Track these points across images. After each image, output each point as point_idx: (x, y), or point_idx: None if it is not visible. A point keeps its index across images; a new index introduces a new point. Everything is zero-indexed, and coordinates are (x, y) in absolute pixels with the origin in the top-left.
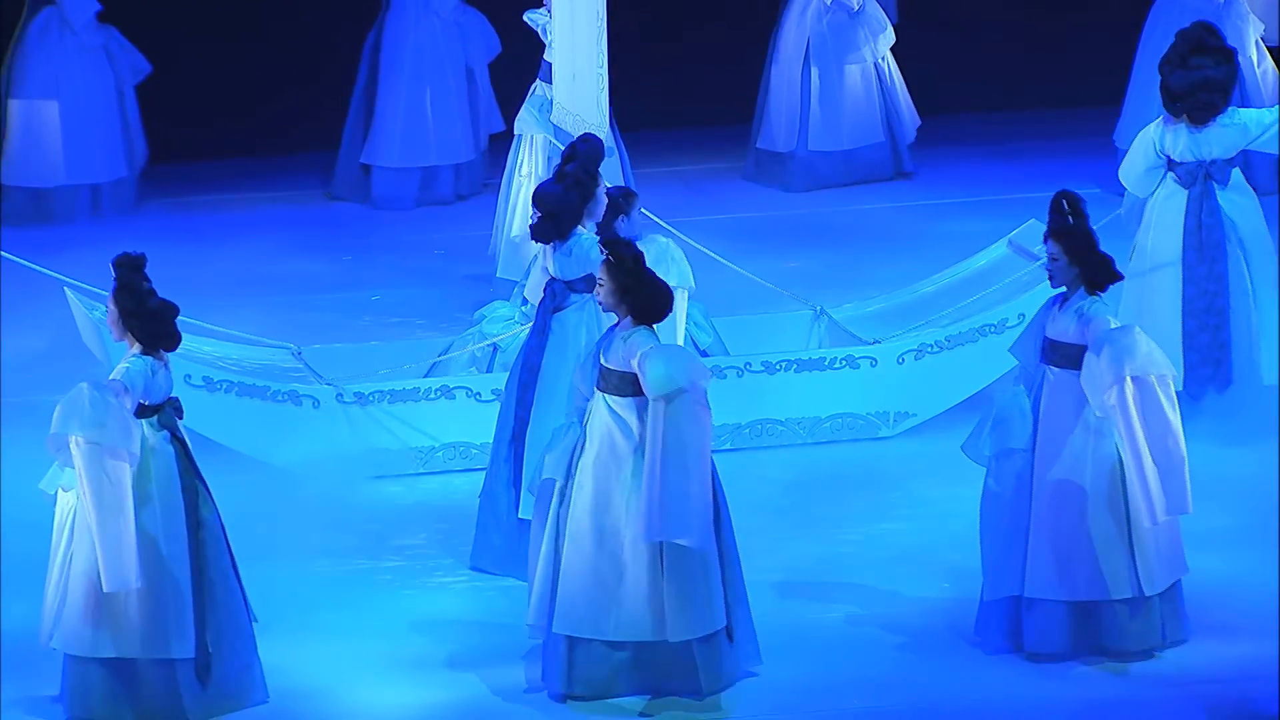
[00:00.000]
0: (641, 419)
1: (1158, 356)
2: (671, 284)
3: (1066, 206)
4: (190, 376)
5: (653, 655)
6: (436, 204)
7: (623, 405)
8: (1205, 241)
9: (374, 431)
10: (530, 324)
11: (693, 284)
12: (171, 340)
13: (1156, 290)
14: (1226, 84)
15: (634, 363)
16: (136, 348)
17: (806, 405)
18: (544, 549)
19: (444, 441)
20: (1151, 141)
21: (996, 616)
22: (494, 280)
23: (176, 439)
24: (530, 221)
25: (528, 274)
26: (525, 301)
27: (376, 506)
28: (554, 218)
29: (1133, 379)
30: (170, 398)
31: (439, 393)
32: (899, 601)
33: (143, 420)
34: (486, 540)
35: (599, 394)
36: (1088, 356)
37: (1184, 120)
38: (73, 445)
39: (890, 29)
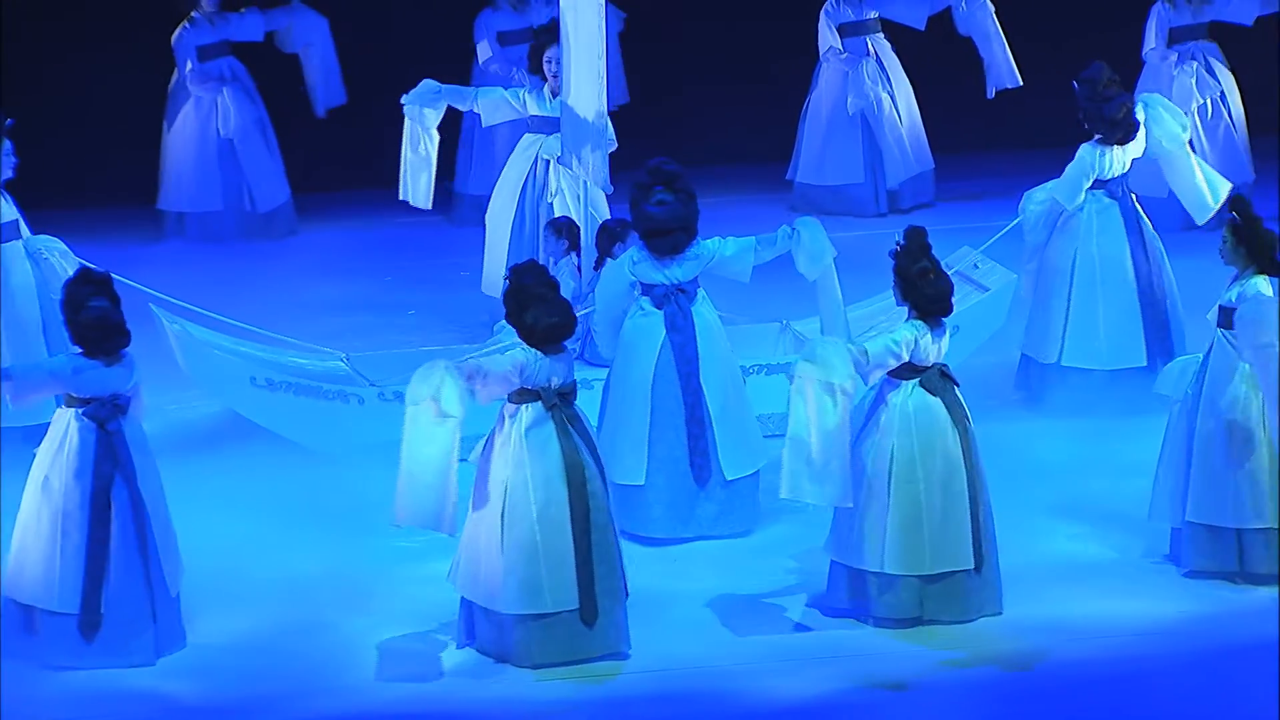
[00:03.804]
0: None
1: (839, 367)
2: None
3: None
4: (255, 378)
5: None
6: None
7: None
8: (1148, 243)
9: None
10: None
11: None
12: (98, 350)
13: (1105, 284)
14: (1133, 105)
15: None
16: (77, 349)
17: (775, 403)
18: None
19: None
20: (1089, 164)
21: (854, 586)
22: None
23: (106, 431)
24: (640, 241)
25: None
26: None
27: None
28: (686, 230)
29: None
30: (113, 394)
31: None
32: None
33: (70, 409)
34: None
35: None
36: None
37: (1113, 144)
38: None
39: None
